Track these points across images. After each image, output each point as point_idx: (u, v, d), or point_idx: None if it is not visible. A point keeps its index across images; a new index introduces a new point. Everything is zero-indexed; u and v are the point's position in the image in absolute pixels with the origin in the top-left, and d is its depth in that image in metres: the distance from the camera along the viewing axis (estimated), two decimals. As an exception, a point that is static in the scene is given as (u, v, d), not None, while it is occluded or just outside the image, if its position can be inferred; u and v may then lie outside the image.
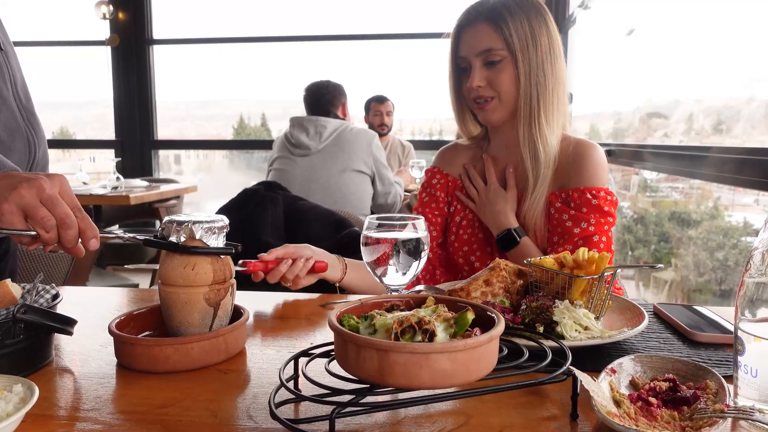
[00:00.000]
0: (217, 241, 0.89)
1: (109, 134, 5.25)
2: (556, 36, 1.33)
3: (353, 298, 1.18)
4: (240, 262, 1.13)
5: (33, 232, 0.82)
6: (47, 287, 0.91)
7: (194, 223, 0.88)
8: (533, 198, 1.33)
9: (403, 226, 0.94)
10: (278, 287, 1.22)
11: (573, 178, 1.33)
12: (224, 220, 0.91)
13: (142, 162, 5.10)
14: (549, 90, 1.30)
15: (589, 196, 1.30)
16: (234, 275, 0.94)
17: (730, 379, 0.73)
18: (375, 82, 5.09)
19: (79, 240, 0.84)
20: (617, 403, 0.70)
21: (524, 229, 1.35)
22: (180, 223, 0.88)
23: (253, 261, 1.15)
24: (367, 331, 0.67)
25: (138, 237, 0.91)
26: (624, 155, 3.02)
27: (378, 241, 0.93)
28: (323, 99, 2.97)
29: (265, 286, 1.20)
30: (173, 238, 0.88)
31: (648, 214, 4.29)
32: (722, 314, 1.06)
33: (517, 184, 1.39)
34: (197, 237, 0.88)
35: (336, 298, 1.24)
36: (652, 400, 0.70)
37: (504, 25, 1.28)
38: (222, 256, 0.90)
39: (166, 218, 0.89)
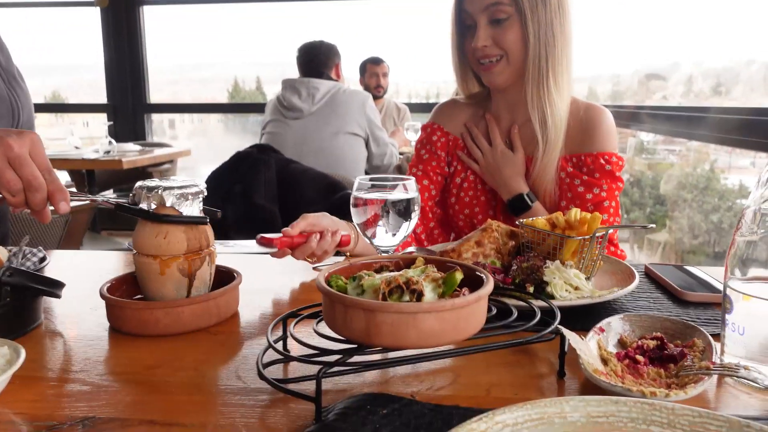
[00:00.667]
0: (192, 208, 0.85)
1: (102, 98, 5.17)
2: None
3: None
4: (258, 237, 1.05)
5: None
6: (34, 250, 0.90)
7: (165, 189, 0.84)
8: (544, 162, 1.31)
9: (393, 187, 0.93)
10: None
11: (585, 143, 1.31)
12: (199, 186, 0.87)
13: (135, 126, 5.04)
14: (558, 50, 1.25)
15: (602, 161, 1.29)
16: (212, 244, 0.89)
17: (717, 337, 0.73)
18: (371, 43, 4.99)
19: (49, 204, 0.81)
20: (604, 362, 0.70)
21: (533, 193, 1.33)
22: (150, 189, 0.84)
23: (275, 236, 1.04)
24: (355, 291, 0.67)
25: (110, 201, 0.87)
26: (621, 117, 2.99)
27: (366, 202, 0.92)
28: (316, 60, 2.91)
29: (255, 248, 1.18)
30: (144, 205, 0.84)
31: (644, 176, 4.28)
32: (713, 274, 1.06)
33: (524, 146, 1.35)
34: (168, 204, 0.84)
35: (330, 260, 1.24)
36: (639, 358, 0.70)
37: None
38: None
39: (137, 183, 0.85)
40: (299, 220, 1.08)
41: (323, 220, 1.10)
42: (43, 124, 5.85)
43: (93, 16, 4.88)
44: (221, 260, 0.97)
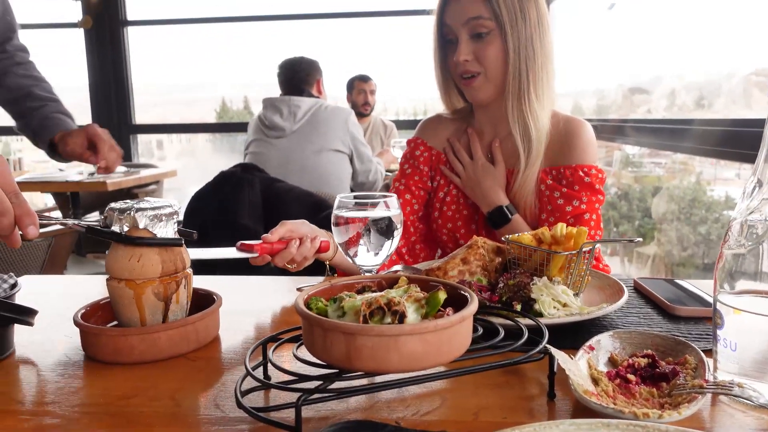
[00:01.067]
0: (166, 229, 0.83)
1: (87, 119, 5.14)
2: (545, 9, 1.29)
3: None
4: (238, 244, 1.05)
5: None
6: (5, 276, 0.87)
7: (137, 210, 0.81)
8: (525, 175, 1.31)
9: (375, 205, 0.91)
10: (248, 269, 1.15)
11: (564, 155, 1.31)
12: (173, 206, 0.84)
13: (121, 147, 4.99)
14: (538, 65, 1.26)
15: (581, 173, 1.28)
16: (188, 266, 0.87)
17: (709, 353, 0.71)
18: (358, 61, 5.01)
19: (17, 229, 0.78)
20: (595, 381, 0.68)
21: (514, 206, 1.33)
22: (122, 211, 0.81)
23: (254, 243, 1.05)
24: (336, 314, 0.64)
25: (81, 223, 0.84)
26: (606, 130, 3.00)
27: (348, 221, 0.90)
28: (297, 76, 2.90)
29: (234, 269, 1.15)
30: (116, 228, 0.81)
31: (631, 189, 4.30)
32: (703, 288, 1.04)
33: (505, 160, 1.36)
34: (141, 226, 0.81)
35: (312, 280, 1.21)
36: (631, 377, 0.68)
37: None
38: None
39: (109, 205, 0.83)
40: (278, 226, 1.09)
41: (302, 227, 1.12)
42: (28, 146, 5.79)
43: (77, 38, 4.86)
44: (199, 282, 0.94)
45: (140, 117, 5.11)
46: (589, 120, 1.38)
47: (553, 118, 1.34)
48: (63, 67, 5.34)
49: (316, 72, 2.97)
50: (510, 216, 1.31)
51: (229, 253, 1.04)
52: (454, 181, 1.40)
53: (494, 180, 1.34)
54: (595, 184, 1.29)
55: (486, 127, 1.40)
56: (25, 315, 0.81)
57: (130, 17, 4.92)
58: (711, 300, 0.96)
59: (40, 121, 1.47)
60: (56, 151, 1.52)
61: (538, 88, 1.27)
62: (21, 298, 0.86)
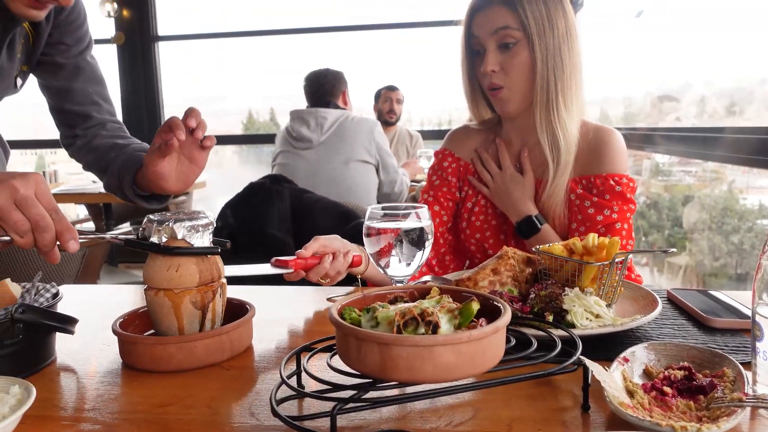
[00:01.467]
0: (203, 239, 0.85)
1: (118, 132, 5.25)
2: (573, 19, 1.28)
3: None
4: (273, 260, 1.07)
5: (6, 237, 0.78)
6: (47, 286, 0.90)
7: (176, 221, 0.83)
8: (554, 185, 1.30)
9: (406, 216, 0.91)
10: (276, 280, 1.16)
11: (594, 165, 1.31)
12: (209, 217, 0.87)
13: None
14: (567, 75, 1.26)
15: (612, 182, 1.27)
16: (223, 275, 0.89)
17: (748, 366, 0.70)
18: (383, 73, 5.04)
19: (57, 244, 0.81)
20: (630, 394, 0.67)
21: (543, 216, 1.32)
22: (161, 222, 0.84)
23: (289, 259, 1.06)
24: (369, 324, 0.65)
25: (119, 237, 0.87)
26: (635, 139, 2.97)
27: (379, 231, 0.91)
28: (322, 89, 2.93)
29: (262, 280, 1.16)
30: (154, 239, 0.83)
31: (661, 198, 4.23)
32: (739, 299, 1.03)
33: (534, 169, 1.35)
34: (179, 237, 0.83)
35: (341, 291, 1.22)
36: (667, 389, 0.67)
37: (520, 7, 1.24)
38: (209, 256, 0.86)
39: (147, 217, 0.85)
40: (311, 242, 1.12)
41: (334, 242, 1.15)
42: (62, 159, 5.95)
43: (110, 53, 4.99)
44: (232, 292, 0.96)
45: (169, 129, 5.21)
46: (618, 128, 1.37)
47: (583, 127, 1.33)
48: (96, 82, 5.48)
49: (341, 83, 3.00)
50: (539, 226, 1.30)
51: (264, 269, 1.07)
52: (482, 191, 1.40)
53: (523, 190, 1.33)
54: (626, 193, 1.27)
55: (514, 137, 1.39)
56: (67, 324, 0.83)
57: (160, 33, 5.04)
58: (747, 312, 0.94)
59: (124, 161, 1.23)
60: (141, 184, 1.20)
61: (566, 98, 1.27)
62: (61, 308, 0.89)
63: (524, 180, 1.34)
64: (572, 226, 1.31)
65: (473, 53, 1.33)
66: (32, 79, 1.32)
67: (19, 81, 1.24)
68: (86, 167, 1.37)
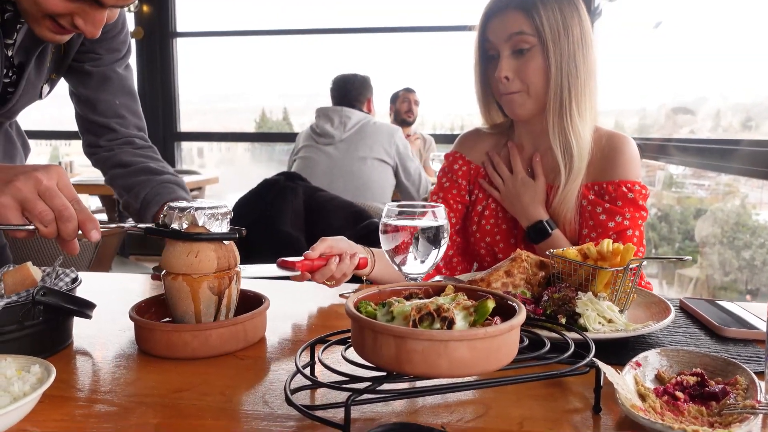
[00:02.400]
0: (221, 228, 0.87)
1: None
2: (588, 25, 1.28)
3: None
4: (279, 260, 1.08)
5: (31, 227, 0.80)
6: (67, 271, 0.91)
7: (197, 209, 0.85)
8: (566, 191, 1.30)
9: (423, 214, 0.92)
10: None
11: (607, 171, 1.30)
12: (227, 207, 0.88)
13: (165, 154, 5.12)
14: (581, 81, 1.26)
15: (624, 189, 1.27)
16: (239, 263, 0.90)
17: (761, 375, 0.70)
18: (397, 76, 5.06)
19: (79, 233, 0.82)
20: (642, 397, 0.67)
21: (553, 221, 1.32)
22: (182, 210, 0.85)
23: (296, 260, 1.06)
24: (385, 318, 0.66)
25: (139, 226, 0.89)
26: (649, 149, 2.96)
27: (397, 228, 0.91)
28: (349, 94, 3.02)
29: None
30: (175, 225, 0.85)
31: (672, 211, 4.21)
32: (750, 310, 1.02)
33: (545, 174, 1.35)
34: (200, 224, 0.85)
35: (351, 288, 1.23)
36: (679, 394, 0.67)
37: (535, 13, 1.24)
38: (226, 243, 0.88)
39: (168, 205, 0.87)
40: (318, 243, 1.12)
41: (341, 243, 1.15)
42: (77, 151, 6.00)
43: (129, 48, 5.04)
44: (246, 285, 0.97)
45: (183, 125, 5.26)
46: (632, 138, 1.37)
47: (596, 133, 1.33)
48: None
49: (367, 90, 3.10)
50: (550, 231, 1.30)
51: (270, 270, 1.07)
52: (493, 195, 1.40)
53: (534, 195, 1.33)
54: (638, 200, 1.27)
55: (526, 141, 1.39)
56: (86, 308, 0.85)
57: (179, 29, 5.08)
58: (758, 323, 0.94)
59: (154, 187, 1.21)
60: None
61: (580, 105, 1.27)
62: (79, 292, 0.90)
63: (536, 185, 1.34)
64: (583, 232, 1.31)
65: (487, 57, 1.33)
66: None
67: (45, 89, 1.22)
68: (108, 180, 1.33)
